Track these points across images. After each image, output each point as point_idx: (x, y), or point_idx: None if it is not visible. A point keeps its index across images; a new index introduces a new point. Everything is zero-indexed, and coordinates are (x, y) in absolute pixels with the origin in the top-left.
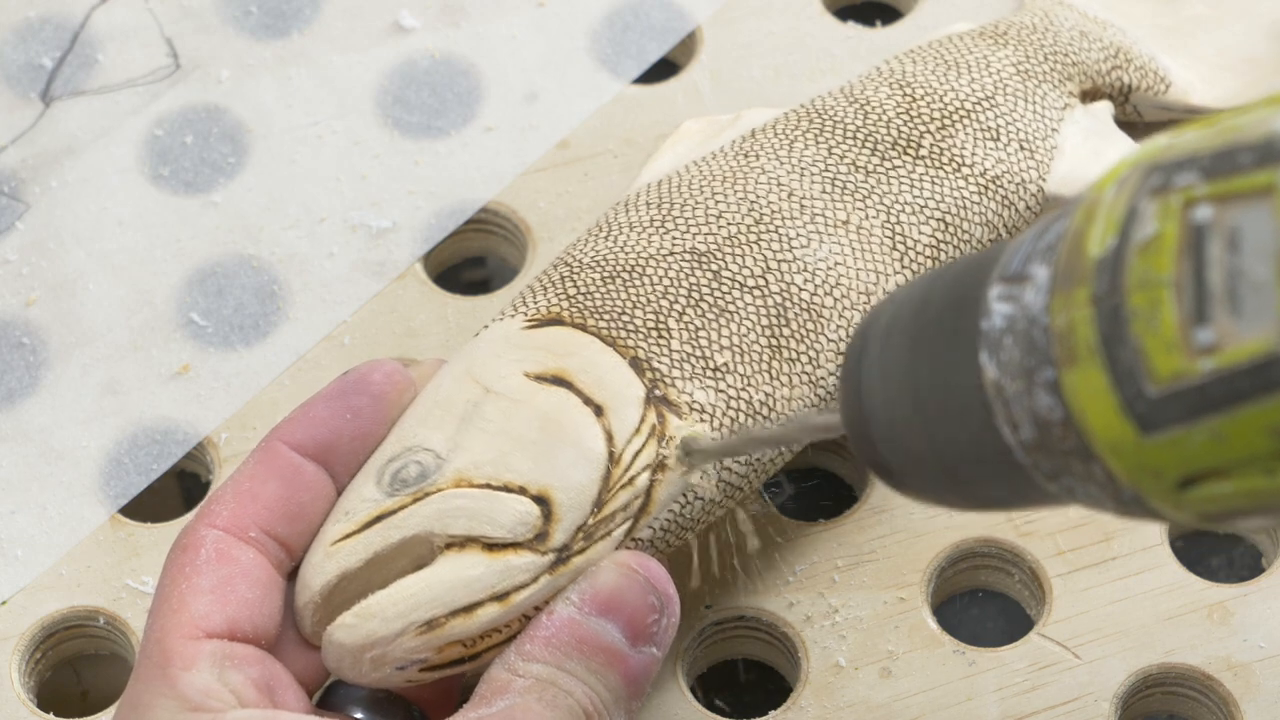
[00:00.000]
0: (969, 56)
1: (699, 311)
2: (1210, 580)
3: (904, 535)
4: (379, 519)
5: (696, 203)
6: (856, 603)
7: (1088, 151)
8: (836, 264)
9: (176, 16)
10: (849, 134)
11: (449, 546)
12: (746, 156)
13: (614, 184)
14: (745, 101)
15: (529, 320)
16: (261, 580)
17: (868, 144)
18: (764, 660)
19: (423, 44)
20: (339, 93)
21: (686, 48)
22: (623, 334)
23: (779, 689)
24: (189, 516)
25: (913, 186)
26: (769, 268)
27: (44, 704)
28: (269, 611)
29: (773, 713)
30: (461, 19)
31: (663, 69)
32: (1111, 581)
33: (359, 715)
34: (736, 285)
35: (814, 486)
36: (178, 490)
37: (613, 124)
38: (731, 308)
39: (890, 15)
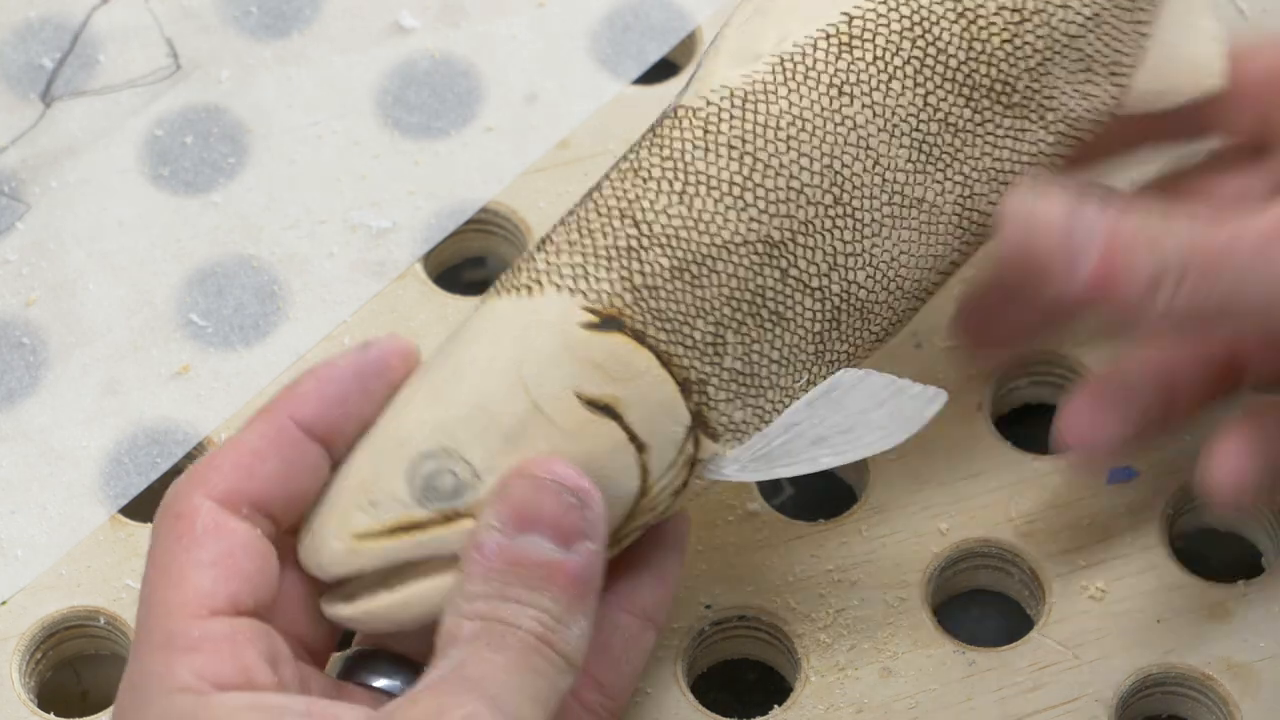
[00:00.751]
0: None
1: (758, 321)
2: (1210, 580)
3: (904, 535)
4: (407, 528)
5: (780, 165)
6: (857, 603)
7: (1169, 56)
8: (901, 253)
9: (177, 17)
10: (949, 74)
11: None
12: (840, 94)
13: None
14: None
15: (589, 311)
16: (260, 552)
17: (965, 88)
18: (764, 660)
19: (423, 44)
20: (339, 93)
21: (686, 48)
22: (680, 350)
23: (779, 689)
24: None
25: (995, 147)
26: (835, 264)
27: (44, 704)
28: (267, 583)
29: (773, 712)
30: (461, 19)
31: (662, 69)
32: (1111, 581)
33: (382, 683)
34: (800, 287)
35: (814, 486)
36: None
37: (612, 124)
38: (790, 314)
39: None
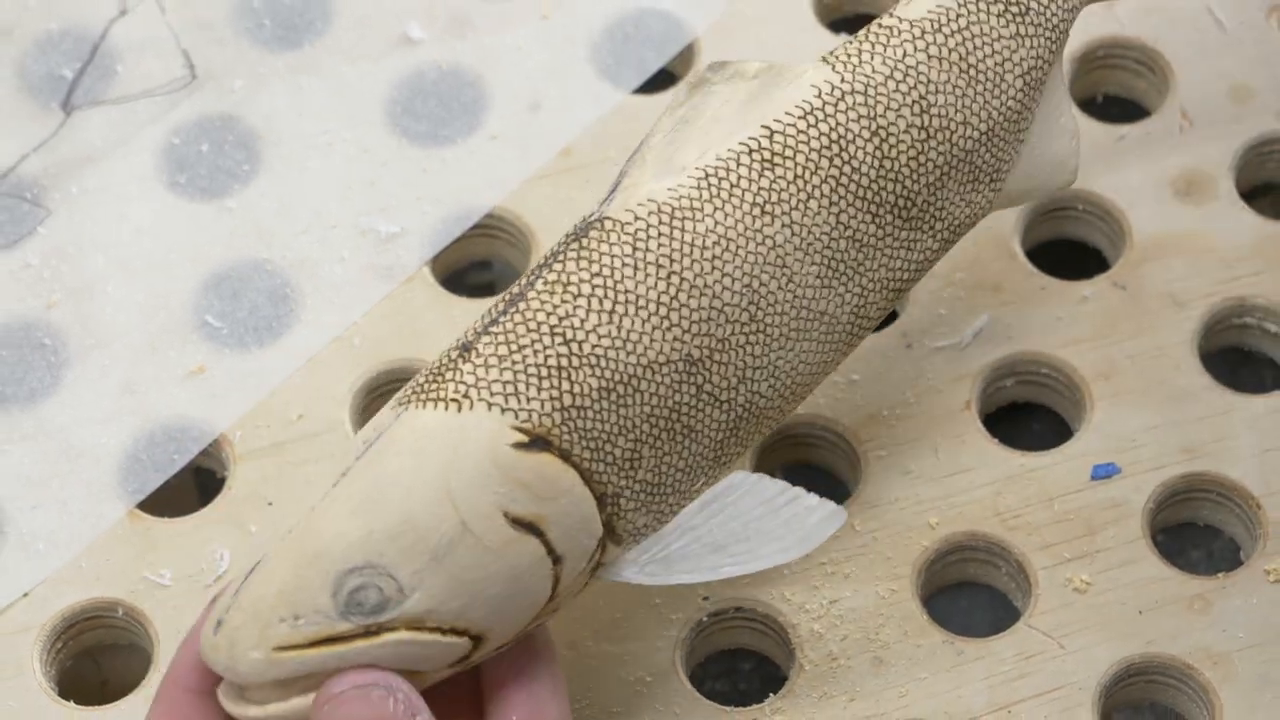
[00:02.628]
0: (988, 60)
1: (670, 435)
2: (1190, 573)
3: (895, 529)
4: (327, 641)
5: (705, 285)
6: (849, 595)
7: (1035, 159)
8: (801, 364)
9: (192, 29)
10: (861, 190)
11: None
12: (763, 214)
13: None
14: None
15: (518, 431)
16: None
17: (872, 206)
18: (760, 650)
19: (430, 55)
20: (349, 102)
21: (685, 58)
22: (600, 467)
23: (774, 678)
24: (205, 511)
25: (891, 259)
26: (743, 377)
27: (64, 692)
28: None
29: (768, 700)
30: (468, 31)
31: (662, 79)
32: (1095, 574)
33: None
34: (710, 400)
35: (808, 481)
36: (193, 486)
37: (613, 132)
38: (699, 427)
39: None
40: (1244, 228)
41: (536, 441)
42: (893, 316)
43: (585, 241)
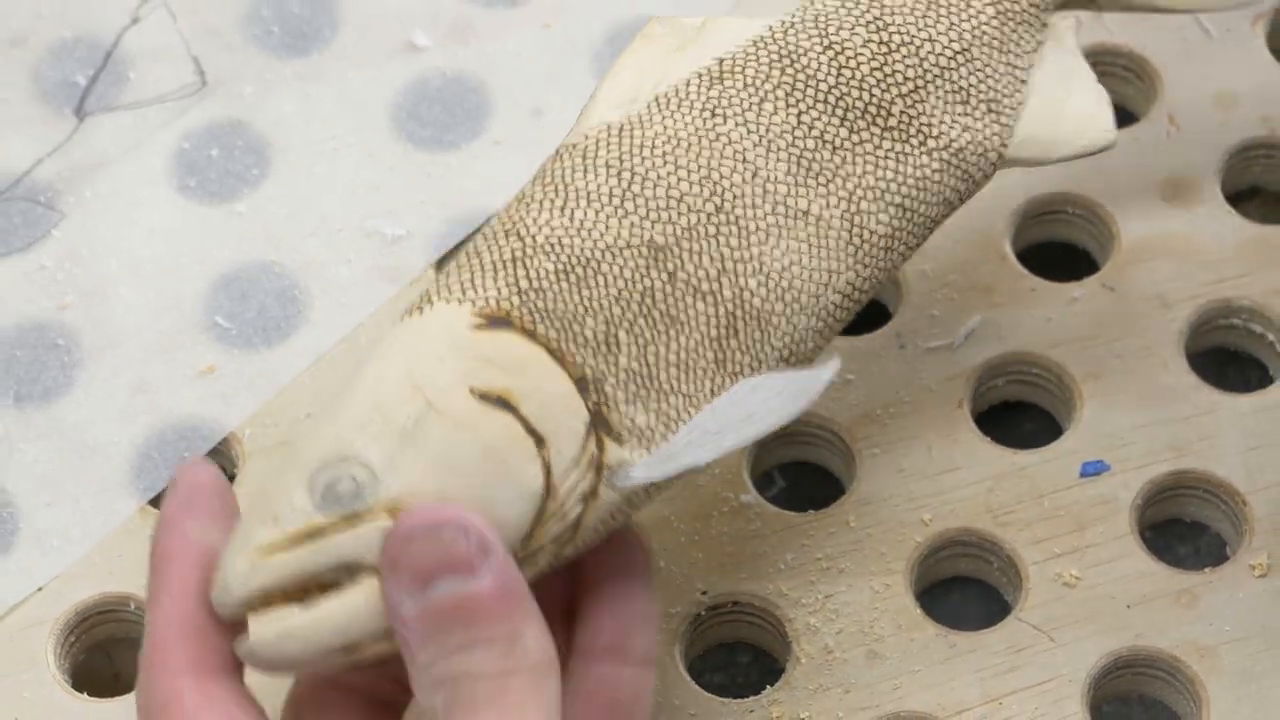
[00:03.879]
0: None
1: (650, 321)
2: (1177, 568)
3: (889, 525)
4: (309, 536)
5: (658, 177)
6: (844, 589)
7: (1053, 105)
8: (792, 263)
9: (202, 36)
10: (821, 95)
11: (374, 571)
12: (714, 115)
13: None
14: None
15: (477, 314)
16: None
17: (838, 109)
18: (757, 643)
19: (434, 62)
20: (355, 108)
21: None
22: (571, 347)
23: (771, 670)
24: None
25: (877, 166)
26: (724, 269)
27: (78, 685)
28: None
29: (765, 692)
30: (471, 38)
31: None
32: (1085, 569)
33: None
34: (690, 290)
35: (804, 479)
36: None
37: None
38: (683, 317)
39: None
40: (1229, 231)
41: (496, 321)
42: (886, 318)
43: (542, 168)
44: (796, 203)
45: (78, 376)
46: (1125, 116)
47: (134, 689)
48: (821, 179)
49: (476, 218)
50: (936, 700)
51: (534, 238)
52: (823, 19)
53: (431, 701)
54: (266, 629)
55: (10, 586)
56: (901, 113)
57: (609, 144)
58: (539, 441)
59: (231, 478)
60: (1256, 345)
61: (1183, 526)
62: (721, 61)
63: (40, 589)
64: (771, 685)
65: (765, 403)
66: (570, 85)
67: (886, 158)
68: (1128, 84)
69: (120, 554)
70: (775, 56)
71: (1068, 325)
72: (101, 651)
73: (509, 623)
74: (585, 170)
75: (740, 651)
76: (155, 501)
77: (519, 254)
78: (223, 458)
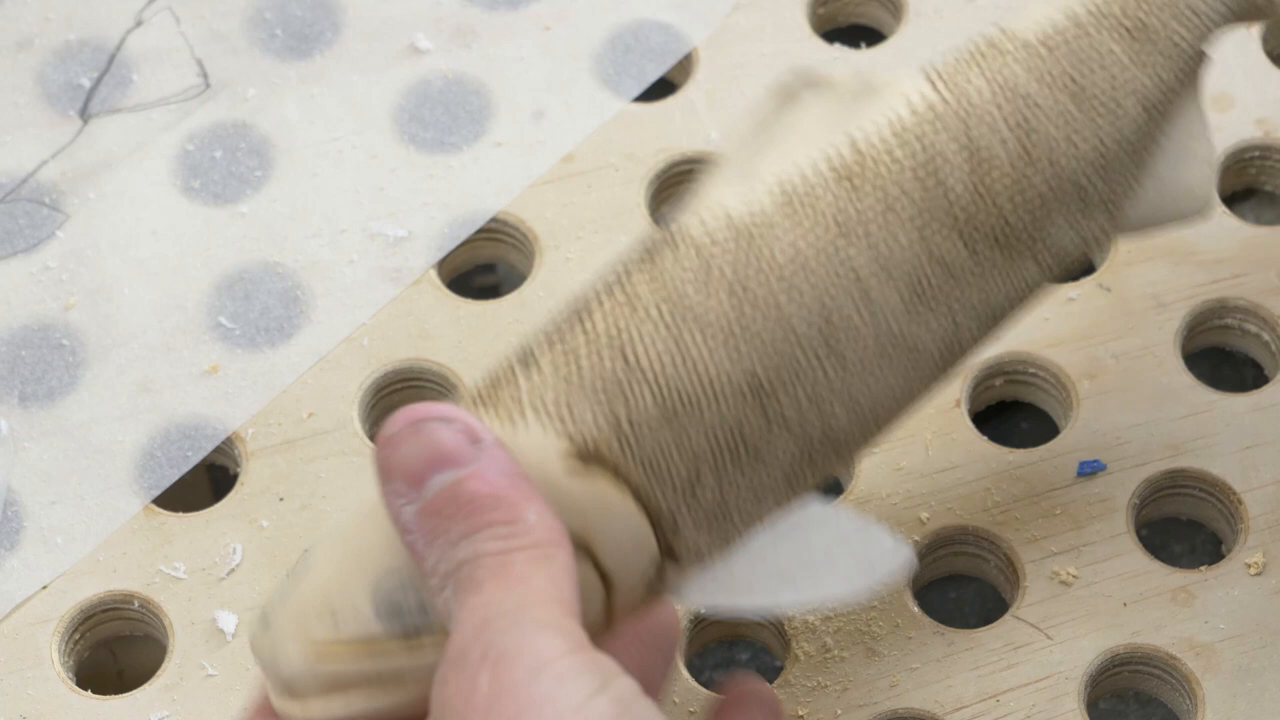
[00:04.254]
0: (1100, 83)
1: (735, 458)
2: (1173, 566)
3: (887, 524)
4: (364, 644)
5: (776, 306)
6: None
7: (1163, 186)
8: (883, 394)
9: (206, 39)
10: (951, 215)
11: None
12: (840, 233)
13: (615, 195)
14: (741, 116)
15: (571, 452)
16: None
17: (965, 231)
18: (756, 640)
19: (437, 65)
20: (358, 110)
21: (684, 68)
22: (656, 488)
23: (770, 667)
24: (218, 507)
25: (986, 288)
26: (816, 400)
27: (82, 682)
28: None
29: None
30: (473, 41)
31: (661, 88)
32: (1082, 567)
33: None
34: (779, 424)
35: None
36: (207, 482)
37: (614, 139)
38: (765, 452)
39: (874, 37)
40: (1225, 232)
41: (589, 458)
42: None
43: (656, 255)
44: (902, 332)
45: (82, 376)
46: None
47: (137, 686)
48: (932, 304)
49: (478, 219)
50: (934, 698)
51: (639, 361)
52: (967, 109)
53: (442, 598)
54: (303, 710)
55: (15, 584)
56: (1026, 232)
57: (730, 251)
58: (607, 585)
59: (234, 477)
60: (1252, 345)
61: (1179, 525)
62: (855, 147)
63: (45, 587)
64: (770, 683)
65: (830, 557)
66: (571, 88)
67: (998, 277)
68: None
69: (124, 552)
70: (911, 154)
71: (1065, 325)
72: (105, 649)
73: (507, 506)
74: (703, 286)
75: (739, 649)
76: (159, 500)
77: (623, 380)
78: (226, 457)
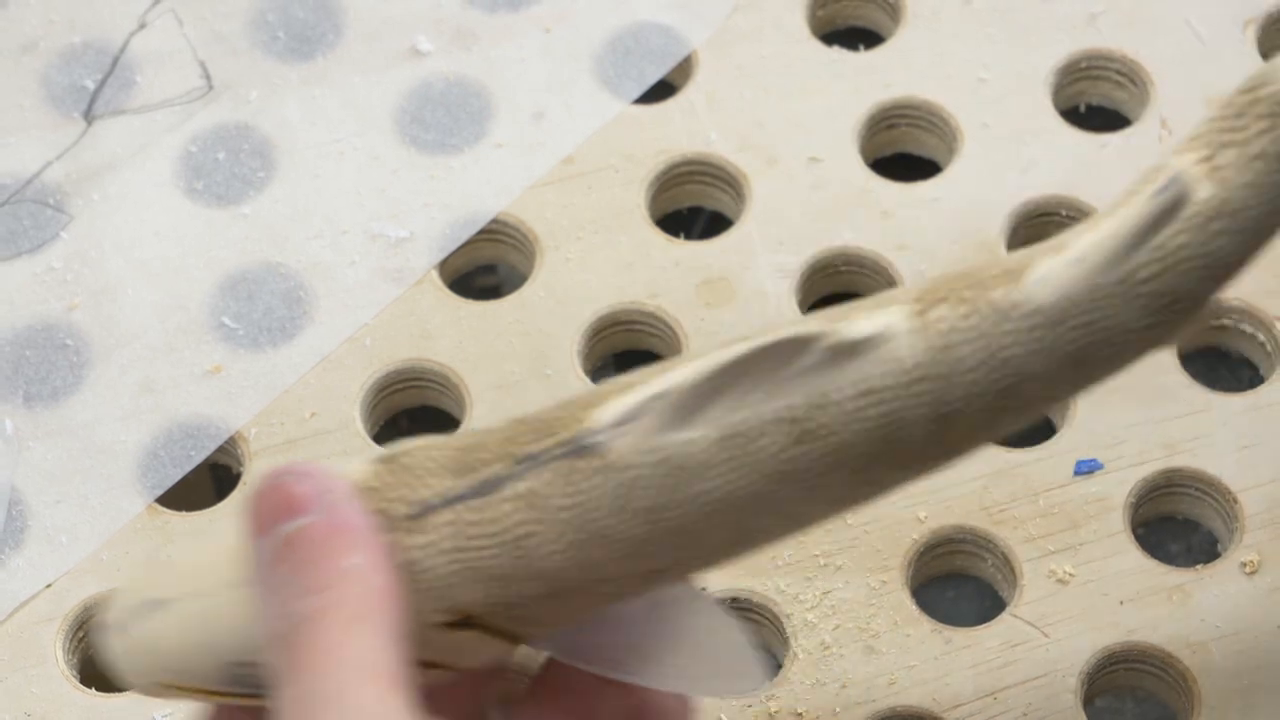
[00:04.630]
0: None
1: (610, 599)
2: (1170, 565)
3: (886, 523)
4: (208, 693)
5: (696, 533)
6: (841, 586)
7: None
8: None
9: (209, 41)
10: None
11: None
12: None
13: (615, 196)
14: (740, 118)
15: (448, 616)
16: None
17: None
18: (755, 639)
19: (438, 67)
20: (360, 112)
21: (683, 70)
22: (528, 633)
23: (770, 665)
24: (221, 506)
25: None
26: (707, 558)
27: (86, 680)
28: None
29: (763, 686)
30: (474, 43)
31: (661, 90)
32: (1078, 566)
33: None
34: (661, 579)
35: None
36: (210, 481)
37: (614, 141)
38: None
39: (872, 40)
40: None
41: (462, 625)
42: None
43: (577, 464)
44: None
45: (86, 376)
46: (1119, 121)
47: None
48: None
49: (479, 219)
50: (932, 696)
51: (536, 559)
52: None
53: (270, 666)
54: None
55: (20, 583)
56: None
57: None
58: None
59: (237, 476)
60: (1248, 345)
61: (1175, 524)
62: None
63: (49, 585)
64: (769, 681)
65: (689, 645)
66: (571, 90)
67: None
68: (1121, 89)
69: (128, 551)
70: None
71: None
72: None
73: (336, 558)
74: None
75: None
76: (162, 499)
77: (517, 573)
78: (228, 456)
